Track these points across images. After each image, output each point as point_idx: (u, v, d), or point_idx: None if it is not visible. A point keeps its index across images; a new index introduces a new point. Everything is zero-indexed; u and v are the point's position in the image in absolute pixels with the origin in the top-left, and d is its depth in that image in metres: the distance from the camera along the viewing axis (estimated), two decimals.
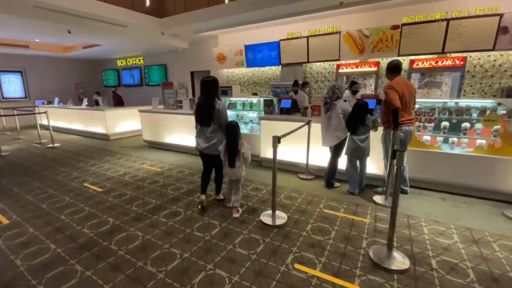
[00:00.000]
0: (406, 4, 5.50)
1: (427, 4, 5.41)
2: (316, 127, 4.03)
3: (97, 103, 8.05)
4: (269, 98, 5.30)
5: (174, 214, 3.08)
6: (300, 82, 5.93)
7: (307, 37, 6.57)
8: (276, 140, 2.70)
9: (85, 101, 8.57)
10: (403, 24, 5.50)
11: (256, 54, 7.48)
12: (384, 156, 3.55)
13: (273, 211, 2.91)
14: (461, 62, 4.96)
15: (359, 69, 5.87)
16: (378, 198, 3.44)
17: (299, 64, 6.99)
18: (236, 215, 3.00)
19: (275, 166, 2.80)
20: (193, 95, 9.58)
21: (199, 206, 3.15)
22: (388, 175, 3.34)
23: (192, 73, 9.66)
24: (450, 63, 5.04)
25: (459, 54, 5.15)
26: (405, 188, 3.57)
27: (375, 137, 3.58)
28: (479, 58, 5.21)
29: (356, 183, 3.66)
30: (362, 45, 6.04)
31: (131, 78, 11.73)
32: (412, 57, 5.54)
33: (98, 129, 7.78)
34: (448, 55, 5.29)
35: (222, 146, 2.90)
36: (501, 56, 5.09)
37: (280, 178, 4.18)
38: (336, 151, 3.80)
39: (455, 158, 3.45)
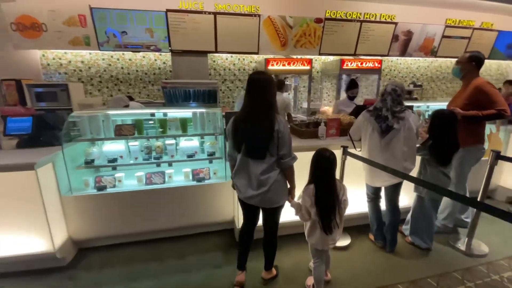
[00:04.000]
0: None
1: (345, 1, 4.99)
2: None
3: None
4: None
5: None
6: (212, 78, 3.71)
7: (215, 13, 4.31)
8: None
9: None
10: (326, 19, 4.79)
11: (118, 28, 4.08)
12: (458, 188, 2.54)
13: None
14: (378, 65, 5.02)
15: (292, 67, 4.56)
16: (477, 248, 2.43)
17: (202, 54, 4.56)
18: None
19: None
20: None
21: None
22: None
23: None
24: (371, 65, 4.97)
25: (369, 57, 5.22)
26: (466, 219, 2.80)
27: None
28: (391, 61, 5.62)
29: (430, 233, 2.43)
30: (285, 37, 4.76)
31: None
32: (343, 57, 5.01)
33: None
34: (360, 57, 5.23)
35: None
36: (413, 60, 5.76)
37: (287, 259, 2.14)
38: (397, 191, 2.34)
39: None
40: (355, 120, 2.80)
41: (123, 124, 2.60)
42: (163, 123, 2.61)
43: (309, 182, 1.84)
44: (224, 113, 2.60)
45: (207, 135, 2.71)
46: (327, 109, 5.17)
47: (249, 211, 1.91)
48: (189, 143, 2.73)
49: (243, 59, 4.98)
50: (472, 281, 2.06)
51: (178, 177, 2.65)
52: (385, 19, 5.15)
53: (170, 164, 2.70)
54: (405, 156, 2.20)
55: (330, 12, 4.86)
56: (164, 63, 4.68)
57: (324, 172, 1.75)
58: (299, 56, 4.86)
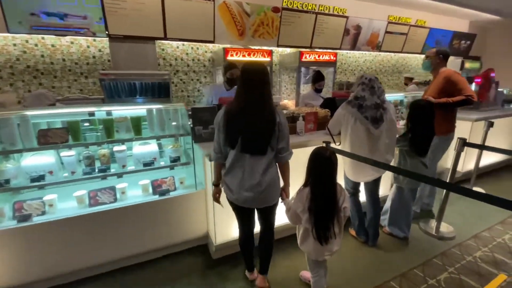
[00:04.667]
0: None
1: None
2: None
3: None
4: (208, 105, 2.28)
5: None
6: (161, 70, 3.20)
7: None
8: None
9: None
10: (283, 9, 4.58)
11: (35, 4, 3.13)
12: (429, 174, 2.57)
13: None
14: (334, 58, 5.06)
15: (252, 58, 4.23)
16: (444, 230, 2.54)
17: (148, 41, 3.88)
18: None
19: None
20: None
21: None
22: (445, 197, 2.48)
23: None
24: (327, 58, 4.98)
25: (324, 50, 5.23)
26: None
27: None
28: (342, 55, 5.69)
29: (408, 222, 2.45)
30: (243, 25, 4.40)
31: None
32: (301, 50, 4.87)
33: None
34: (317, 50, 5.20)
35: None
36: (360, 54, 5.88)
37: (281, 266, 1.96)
38: (378, 184, 2.29)
39: None
40: (329, 113, 2.67)
41: (50, 128, 1.94)
42: (108, 125, 2.03)
43: (304, 185, 1.58)
44: (189, 110, 2.15)
45: (169, 137, 2.23)
46: (287, 102, 5.05)
47: (244, 214, 1.75)
48: (145, 148, 2.21)
49: (197, 48, 4.45)
50: (451, 266, 2.11)
51: (134, 191, 2.13)
52: (338, 12, 5.22)
53: (121, 176, 2.13)
54: (387, 149, 2.13)
55: (287, 1, 4.67)
56: (100, 50, 3.85)
57: (324, 175, 1.50)
58: (257, 47, 4.58)
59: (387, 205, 2.51)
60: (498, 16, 6.50)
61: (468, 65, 6.95)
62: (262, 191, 1.54)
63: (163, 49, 4.20)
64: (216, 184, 1.71)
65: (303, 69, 4.79)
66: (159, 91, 3.84)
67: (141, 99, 3.76)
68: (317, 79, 3.58)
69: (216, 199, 1.73)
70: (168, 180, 2.17)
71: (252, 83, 1.46)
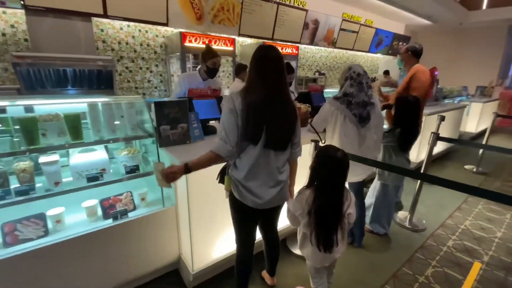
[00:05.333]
0: None
1: None
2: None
3: None
4: (170, 99, 1.71)
5: None
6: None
7: None
8: None
9: None
10: None
11: None
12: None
13: None
14: (296, 51, 4.91)
15: (214, 46, 3.74)
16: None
17: (81, 17, 3.06)
18: None
19: None
20: None
21: None
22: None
23: None
24: (290, 51, 4.80)
25: (285, 43, 5.04)
26: None
27: None
28: (301, 49, 5.54)
29: (390, 218, 2.43)
30: (200, 8, 3.87)
31: None
32: (265, 41, 4.57)
33: None
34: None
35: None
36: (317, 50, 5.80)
37: None
38: (362, 184, 2.19)
39: None
40: (309, 108, 2.46)
41: None
42: (29, 126, 1.40)
43: (306, 187, 1.40)
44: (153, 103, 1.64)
45: (123, 141, 1.69)
46: None
47: (254, 223, 1.53)
48: (88, 156, 1.63)
49: (146, 31, 3.77)
50: (433, 259, 2.14)
51: (75, 217, 1.55)
52: (298, 4, 5.09)
53: (53, 197, 1.52)
54: (375, 146, 2.01)
55: None
56: (13, 26, 2.90)
57: (333, 178, 1.30)
58: (217, 34, 4.12)
59: (368, 202, 2.44)
60: (429, 21, 7.32)
61: None
62: (282, 187, 1.40)
63: (102, 30, 3.42)
64: (187, 170, 1.26)
65: None
66: (98, 80, 3.11)
67: (73, 90, 2.99)
68: (287, 71, 3.32)
69: (172, 179, 1.27)
70: (124, 198, 1.65)
71: (272, 69, 1.27)
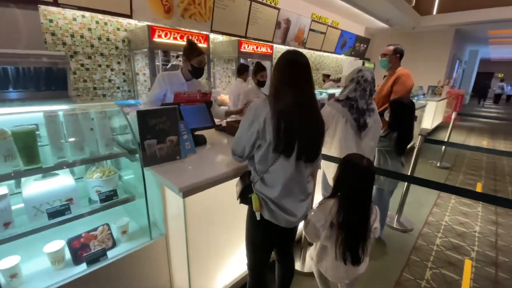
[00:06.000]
0: None
1: None
2: None
3: None
4: (158, 106, 1.36)
5: None
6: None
7: None
8: None
9: None
10: None
11: None
12: None
13: None
14: (270, 51, 4.74)
15: (182, 42, 3.36)
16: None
17: (24, 4, 2.46)
18: None
19: None
20: None
21: None
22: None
23: None
24: (265, 50, 4.61)
25: (258, 42, 4.84)
26: None
27: None
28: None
29: (384, 222, 2.42)
30: (169, 0, 3.46)
31: None
32: (239, 39, 4.29)
33: None
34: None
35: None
36: (281, 49, 5.60)
37: None
38: None
39: None
40: None
41: None
42: None
43: (329, 196, 1.32)
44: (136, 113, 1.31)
45: (93, 162, 1.33)
46: (226, 98, 4.47)
47: (276, 244, 1.42)
48: (48, 184, 1.24)
49: (105, 24, 3.24)
50: (427, 260, 2.16)
51: (36, 265, 1.17)
52: (270, 2, 4.93)
53: (2, 244, 1.11)
54: (371, 152, 1.95)
55: None
56: None
57: (359, 189, 1.23)
58: (188, 30, 3.75)
59: None
60: (386, 25, 7.78)
61: (367, 65, 8.09)
62: (311, 199, 1.36)
63: (51, 20, 2.85)
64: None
65: (242, 60, 4.29)
66: (48, 80, 2.57)
67: (15, 94, 2.42)
68: (259, 69, 3.01)
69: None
70: (100, 233, 1.30)
71: (304, 77, 1.17)
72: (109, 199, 1.32)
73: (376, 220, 1.29)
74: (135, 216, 1.52)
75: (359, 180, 1.22)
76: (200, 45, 3.61)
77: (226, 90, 4.95)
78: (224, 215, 1.47)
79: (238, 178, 1.33)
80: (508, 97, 16.77)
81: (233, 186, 1.31)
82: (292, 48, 3.56)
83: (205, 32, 3.82)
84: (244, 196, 1.22)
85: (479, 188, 3.60)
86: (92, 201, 1.32)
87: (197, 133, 1.81)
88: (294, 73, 1.15)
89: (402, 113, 1.99)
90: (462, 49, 11.20)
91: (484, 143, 6.25)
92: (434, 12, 7.71)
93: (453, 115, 4.22)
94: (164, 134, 1.39)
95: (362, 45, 8.27)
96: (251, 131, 1.15)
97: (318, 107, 1.24)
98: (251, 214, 1.26)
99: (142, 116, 1.31)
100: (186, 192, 1.15)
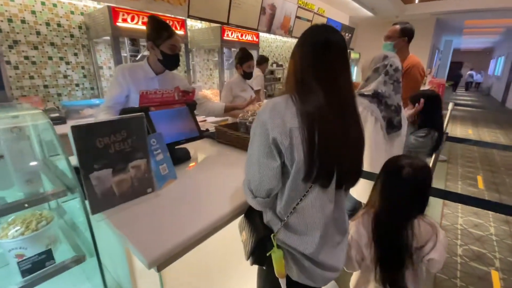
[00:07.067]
0: None
1: None
2: None
3: None
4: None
5: None
6: None
7: None
8: None
9: None
10: None
11: None
12: None
13: None
14: (257, 39, 4.24)
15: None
16: None
17: None
18: None
19: None
20: None
21: None
22: None
23: None
24: (250, 38, 4.10)
25: (242, 29, 4.31)
26: None
27: None
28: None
29: None
30: None
31: None
32: (222, 25, 3.72)
33: None
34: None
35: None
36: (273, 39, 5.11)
37: None
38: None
39: None
40: None
41: None
42: None
43: (370, 206, 1.08)
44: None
45: (18, 209, 0.81)
46: (207, 93, 3.95)
47: None
48: None
49: (54, 5, 2.57)
50: (455, 277, 1.86)
51: None
52: None
53: None
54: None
55: None
56: None
57: (406, 201, 1.00)
58: (160, 13, 3.15)
59: None
60: (371, 13, 7.49)
61: (352, 55, 7.81)
62: (346, 242, 0.94)
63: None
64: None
65: (226, 50, 3.76)
66: None
67: None
68: (245, 57, 2.40)
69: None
70: None
71: (342, 67, 0.76)
72: (39, 267, 0.82)
73: (435, 249, 0.96)
74: (86, 282, 1.02)
75: (406, 189, 0.98)
76: (176, 31, 3.06)
77: (208, 84, 4.41)
78: (224, 274, 1.02)
79: (242, 217, 0.88)
80: (477, 84, 17.53)
81: (235, 230, 0.86)
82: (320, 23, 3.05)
83: (181, 17, 3.24)
84: (260, 254, 0.78)
85: (480, 182, 3.43)
86: (11, 275, 0.81)
87: (177, 146, 1.32)
88: (326, 58, 0.74)
89: (434, 108, 1.62)
90: (440, 39, 11.29)
91: (470, 131, 6.23)
92: (417, 1, 7.53)
93: (450, 106, 4.01)
94: (126, 159, 0.89)
95: (347, 34, 7.94)
96: (273, 157, 0.72)
97: (358, 109, 0.82)
98: (267, 277, 0.82)
99: (82, 133, 0.79)
100: (164, 263, 0.68)
